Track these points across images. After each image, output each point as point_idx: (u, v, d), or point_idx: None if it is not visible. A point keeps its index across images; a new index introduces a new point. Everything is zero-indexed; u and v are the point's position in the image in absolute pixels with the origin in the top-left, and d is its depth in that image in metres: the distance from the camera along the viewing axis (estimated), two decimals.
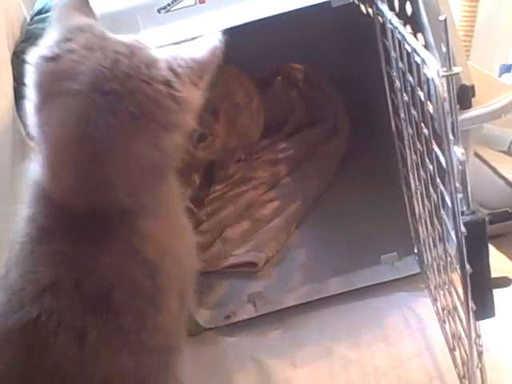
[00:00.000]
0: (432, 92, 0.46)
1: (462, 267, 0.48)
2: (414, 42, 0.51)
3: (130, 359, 0.49)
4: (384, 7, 0.64)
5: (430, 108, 0.50)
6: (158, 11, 0.71)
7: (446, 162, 0.46)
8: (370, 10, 0.82)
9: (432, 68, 0.45)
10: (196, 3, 0.71)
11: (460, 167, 0.46)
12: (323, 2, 1.20)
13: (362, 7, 1.05)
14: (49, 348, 0.46)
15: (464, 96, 0.71)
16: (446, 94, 0.44)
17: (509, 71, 1.86)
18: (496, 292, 0.51)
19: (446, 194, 0.51)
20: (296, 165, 1.17)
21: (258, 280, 0.95)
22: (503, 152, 1.85)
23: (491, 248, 0.98)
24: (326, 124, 1.25)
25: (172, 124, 0.48)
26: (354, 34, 1.20)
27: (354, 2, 1.16)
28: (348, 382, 0.72)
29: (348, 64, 1.21)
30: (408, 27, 0.66)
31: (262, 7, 0.70)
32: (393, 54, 0.64)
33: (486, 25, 1.90)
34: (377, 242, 0.92)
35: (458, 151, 0.46)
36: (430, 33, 0.66)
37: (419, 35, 0.69)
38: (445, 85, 0.44)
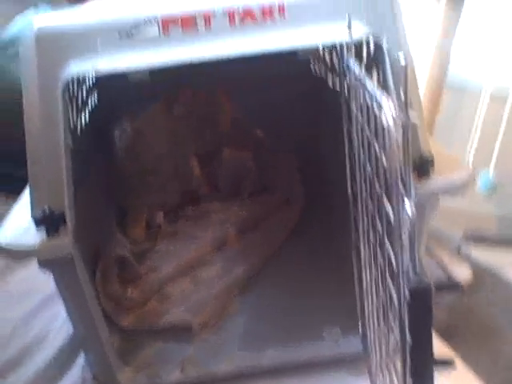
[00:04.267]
0: (387, 141, 0.42)
1: (402, 337, 0.42)
2: (373, 87, 0.48)
3: None
4: (350, 61, 0.61)
5: (384, 161, 0.47)
6: (120, 36, 0.68)
7: (394, 217, 0.42)
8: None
9: (388, 113, 0.41)
10: (160, 35, 0.68)
11: (409, 226, 0.42)
12: (287, 72, 1.23)
13: (329, 77, 1.05)
14: None
15: (423, 167, 0.69)
16: (400, 140, 0.40)
17: None
18: None
19: (392, 255, 0.47)
20: (246, 229, 1.12)
21: (190, 343, 0.88)
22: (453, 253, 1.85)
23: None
24: (280, 192, 1.22)
25: None
26: (316, 102, 1.20)
27: (318, 76, 1.17)
28: None
29: (308, 133, 1.21)
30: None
31: (229, 47, 0.68)
32: (353, 108, 0.61)
33: (445, 120, 1.94)
34: (320, 316, 0.87)
35: (407, 207, 0.42)
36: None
37: None
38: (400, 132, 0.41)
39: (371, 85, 0.49)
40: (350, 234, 0.77)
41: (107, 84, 1.23)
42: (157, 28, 0.69)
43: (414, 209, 0.41)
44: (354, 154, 0.66)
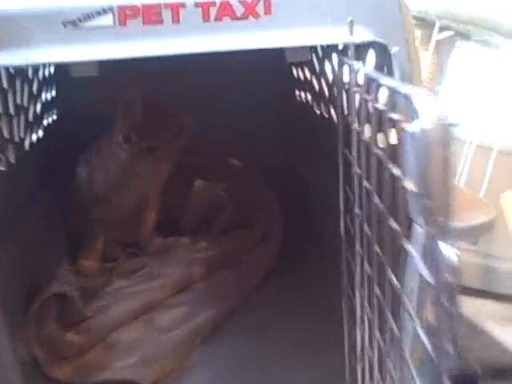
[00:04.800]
0: (419, 147, 0.29)
1: None
2: (392, 82, 0.35)
3: None
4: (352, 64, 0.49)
5: (408, 185, 0.33)
6: (64, 25, 0.54)
7: (428, 266, 0.28)
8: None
9: (421, 105, 0.28)
10: (116, 25, 0.55)
11: (448, 278, 0.29)
12: (270, 99, 1.12)
13: (318, 103, 0.94)
14: None
15: None
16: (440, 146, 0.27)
17: None
18: None
19: (415, 320, 0.33)
20: (215, 268, 0.97)
21: None
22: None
23: None
24: (256, 228, 1.08)
25: None
26: (300, 131, 1.09)
27: (303, 103, 1.06)
28: None
29: (291, 163, 1.12)
30: None
31: (199, 43, 0.55)
32: (355, 126, 0.48)
33: None
34: (300, 376, 0.73)
35: (446, 249, 0.28)
36: None
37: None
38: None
39: (386, 78, 0.36)
40: (333, 282, 0.64)
41: (69, 102, 1.10)
42: (111, 18, 0.55)
43: (458, 256, 0.28)
44: (352, 185, 0.53)
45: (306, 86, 1.02)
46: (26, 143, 0.90)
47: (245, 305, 0.91)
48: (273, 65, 0.95)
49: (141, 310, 0.85)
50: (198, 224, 1.11)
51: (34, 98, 0.94)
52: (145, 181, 0.99)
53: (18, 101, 0.84)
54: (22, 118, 0.87)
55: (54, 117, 1.11)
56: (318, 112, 0.96)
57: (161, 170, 0.99)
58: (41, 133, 0.98)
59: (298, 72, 1.07)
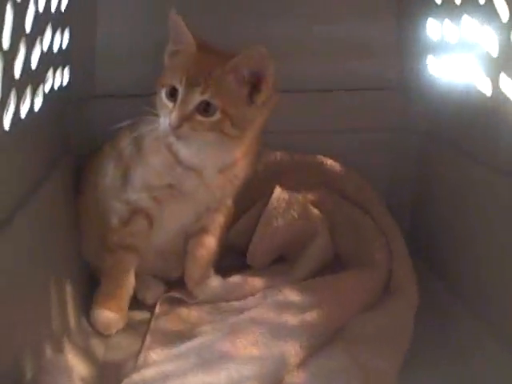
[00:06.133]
0: None
1: None
2: None
3: None
4: None
5: None
6: None
7: None
8: None
9: None
10: None
11: None
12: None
13: None
14: None
15: None
16: None
17: None
18: None
19: None
20: (321, 341, 0.56)
21: None
22: None
23: None
24: (370, 270, 0.67)
25: None
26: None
27: None
28: None
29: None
30: None
31: None
32: None
33: None
34: None
35: None
36: None
37: None
38: None
39: None
40: None
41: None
42: None
43: None
44: None
45: None
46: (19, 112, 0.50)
47: None
48: None
49: None
50: (275, 256, 0.71)
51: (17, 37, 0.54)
52: (206, 175, 0.60)
53: None
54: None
55: (66, 78, 0.71)
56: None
57: (234, 153, 0.61)
58: (40, 98, 0.59)
59: None
